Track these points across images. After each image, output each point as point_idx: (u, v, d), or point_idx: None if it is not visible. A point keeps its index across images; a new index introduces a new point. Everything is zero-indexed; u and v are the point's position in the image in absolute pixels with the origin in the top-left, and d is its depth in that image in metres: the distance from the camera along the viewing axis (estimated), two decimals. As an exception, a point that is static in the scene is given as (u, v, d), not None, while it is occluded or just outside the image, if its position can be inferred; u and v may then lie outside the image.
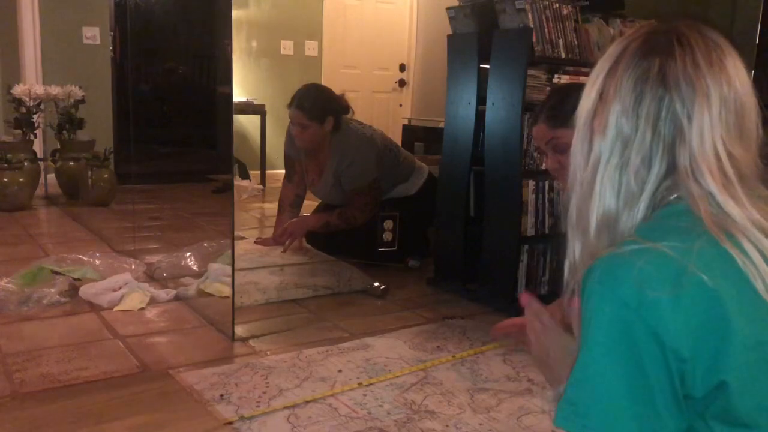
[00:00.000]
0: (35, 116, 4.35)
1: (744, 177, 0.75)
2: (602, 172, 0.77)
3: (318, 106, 2.87)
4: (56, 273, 2.47)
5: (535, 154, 2.37)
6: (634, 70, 0.76)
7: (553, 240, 2.45)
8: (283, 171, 3.26)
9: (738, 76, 0.76)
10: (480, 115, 2.51)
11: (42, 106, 4.41)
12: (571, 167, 0.84)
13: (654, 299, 0.68)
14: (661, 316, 0.67)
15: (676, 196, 0.76)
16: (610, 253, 0.73)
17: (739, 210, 0.73)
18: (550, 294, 2.44)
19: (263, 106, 5.42)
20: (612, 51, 0.81)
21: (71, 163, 4.47)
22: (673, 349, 0.67)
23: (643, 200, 0.76)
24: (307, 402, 1.65)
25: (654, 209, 0.77)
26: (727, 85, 0.75)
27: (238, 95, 5.53)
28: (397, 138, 4.41)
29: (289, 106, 2.91)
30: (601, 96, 0.79)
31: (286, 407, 1.61)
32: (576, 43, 2.45)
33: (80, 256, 2.63)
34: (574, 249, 0.83)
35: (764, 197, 0.76)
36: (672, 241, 0.70)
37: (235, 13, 5.62)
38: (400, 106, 6.62)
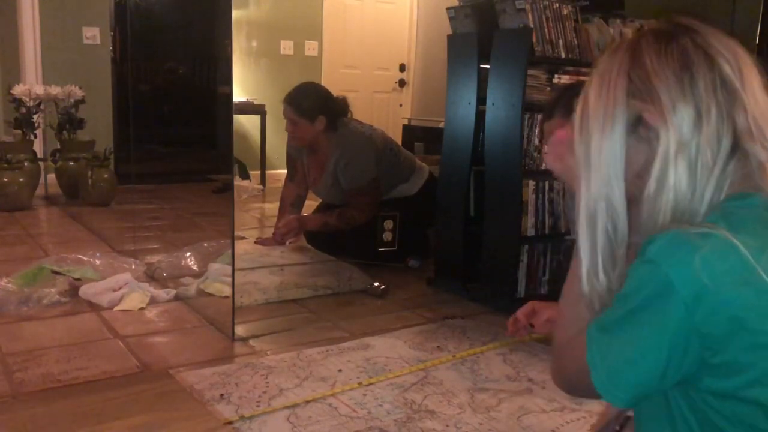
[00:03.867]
0: (35, 116, 4.35)
1: None
2: (674, 161, 0.73)
3: (309, 104, 2.87)
4: (56, 273, 2.47)
5: (536, 154, 2.37)
6: (669, 54, 0.74)
7: (553, 240, 2.45)
8: (283, 171, 3.26)
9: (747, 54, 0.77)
10: (480, 115, 2.51)
11: (42, 106, 4.41)
12: (601, 174, 0.77)
13: (708, 290, 0.65)
14: (710, 314, 0.65)
15: (745, 186, 0.73)
16: (678, 229, 0.69)
17: None
18: (551, 294, 2.44)
19: (263, 106, 5.42)
20: (617, 56, 0.77)
21: (71, 163, 4.47)
22: (708, 347, 0.66)
23: (714, 176, 0.72)
24: (307, 402, 1.65)
25: (719, 196, 0.73)
26: (749, 57, 0.75)
27: (238, 95, 5.53)
28: (397, 138, 4.40)
29: (284, 101, 2.91)
30: (631, 93, 0.75)
31: (286, 407, 1.61)
32: (576, 43, 2.45)
33: (80, 256, 2.63)
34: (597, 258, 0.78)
35: None
36: (746, 235, 0.66)
37: (235, 13, 5.61)
38: (400, 106, 6.62)
